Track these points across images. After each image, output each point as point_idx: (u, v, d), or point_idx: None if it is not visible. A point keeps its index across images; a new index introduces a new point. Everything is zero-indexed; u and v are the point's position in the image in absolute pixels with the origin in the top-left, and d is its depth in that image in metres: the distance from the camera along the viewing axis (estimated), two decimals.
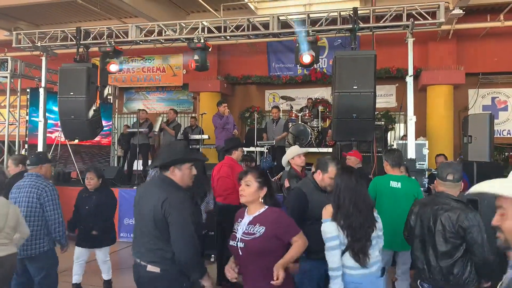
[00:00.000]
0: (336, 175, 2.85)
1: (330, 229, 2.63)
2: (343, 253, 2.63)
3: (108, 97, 10.34)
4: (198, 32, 7.05)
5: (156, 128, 9.01)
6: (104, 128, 8.55)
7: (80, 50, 7.46)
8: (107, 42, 7.20)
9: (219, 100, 8.79)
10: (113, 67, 7.12)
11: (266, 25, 6.85)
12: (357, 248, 2.58)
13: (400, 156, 4.12)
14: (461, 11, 7.71)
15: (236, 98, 11.99)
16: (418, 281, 2.92)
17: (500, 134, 9.92)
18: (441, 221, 2.71)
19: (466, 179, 5.07)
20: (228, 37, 7.20)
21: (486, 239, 2.63)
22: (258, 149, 8.25)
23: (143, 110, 9.51)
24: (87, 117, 6.89)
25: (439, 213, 2.74)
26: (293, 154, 4.49)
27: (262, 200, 2.44)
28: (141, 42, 7.60)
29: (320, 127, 9.24)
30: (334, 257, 2.61)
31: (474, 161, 6.55)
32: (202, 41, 6.81)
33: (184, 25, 7.31)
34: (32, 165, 3.81)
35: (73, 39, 7.48)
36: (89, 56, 7.71)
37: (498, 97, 10.28)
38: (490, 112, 8.42)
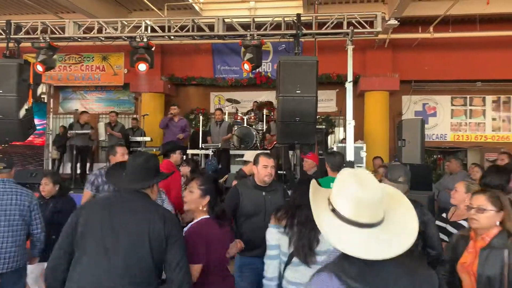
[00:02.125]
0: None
1: (271, 237, 2.60)
2: (286, 265, 2.52)
3: (42, 96, 9.73)
4: (141, 30, 6.86)
5: (103, 136, 8.79)
6: (38, 128, 8.03)
7: (11, 44, 6.94)
8: (41, 38, 6.77)
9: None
10: (39, 67, 6.67)
11: (211, 27, 6.83)
12: (301, 244, 2.45)
13: (340, 160, 4.30)
14: (396, 22, 8.20)
15: (181, 99, 11.77)
16: None
17: (430, 138, 10.65)
18: None
19: None
20: (172, 37, 7.08)
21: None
22: (203, 152, 8.18)
23: (86, 112, 9.22)
24: (18, 117, 6.42)
25: None
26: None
27: (205, 209, 2.36)
28: (79, 39, 7.24)
29: (265, 130, 9.35)
30: (269, 266, 2.58)
31: (407, 163, 6.98)
32: (145, 40, 6.63)
33: (126, 23, 7.08)
34: (9, 168, 3.45)
35: (2, 32, 6.95)
36: (20, 51, 7.20)
37: (428, 103, 11.04)
38: (422, 117, 9.05)
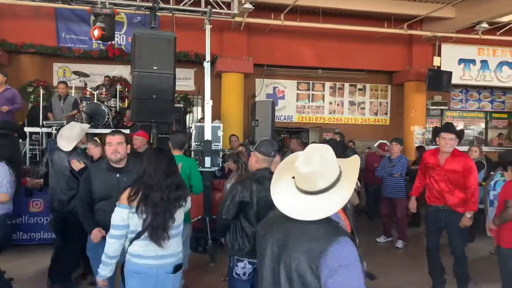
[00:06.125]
0: (144, 157, 2.75)
1: (119, 216, 2.51)
2: (134, 239, 2.50)
3: None
4: None
5: None
6: None
7: None
8: None
9: None
10: None
11: None
12: (156, 225, 2.46)
13: (182, 139, 4.38)
14: (251, 6, 8.51)
15: (15, 69, 10.15)
16: (246, 260, 2.86)
17: (278, 119, 11.55)
18: None
19: None
20: None
21: None
22: (45, 129, 7.27)
23: None
24: None
25: None
26: (84, 133, 4.42)
27: None
28: None
29: (118, 107, 8.79)
30: (113, 246, 2.53)
31: None
32: None
33: None
34: None
35: None
36: None
37: (278, 87, 11.94)
38: (272, 99, 9.75)
